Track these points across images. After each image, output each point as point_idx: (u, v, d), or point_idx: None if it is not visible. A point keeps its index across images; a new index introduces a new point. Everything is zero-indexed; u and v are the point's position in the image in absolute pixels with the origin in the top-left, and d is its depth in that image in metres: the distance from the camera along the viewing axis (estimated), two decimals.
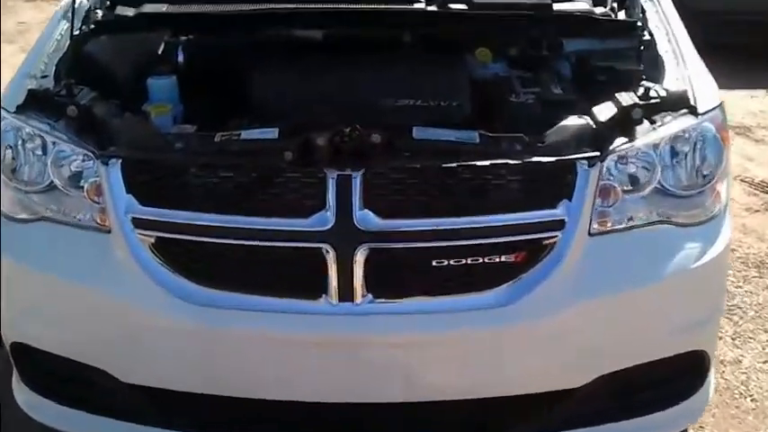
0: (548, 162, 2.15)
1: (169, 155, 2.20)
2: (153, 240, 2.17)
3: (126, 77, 2.58)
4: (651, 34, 2.70)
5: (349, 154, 2.14)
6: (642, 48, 2.67)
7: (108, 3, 2.84)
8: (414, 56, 2.69)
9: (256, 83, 2.52)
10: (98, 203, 2.24)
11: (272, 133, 2.21)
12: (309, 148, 2.15)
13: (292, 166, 2.14)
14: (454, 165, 2.13)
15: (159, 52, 2.68)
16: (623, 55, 2.67)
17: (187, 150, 2.21)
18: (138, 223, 2.18)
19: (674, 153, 2.32)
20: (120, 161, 2.20)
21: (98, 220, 2.25)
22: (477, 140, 2.19)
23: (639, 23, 2.70)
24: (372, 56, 2.59)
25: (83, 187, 2.27)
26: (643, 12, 2.77)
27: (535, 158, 2.15)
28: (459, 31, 2.76)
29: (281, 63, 2.60)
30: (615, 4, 2.82)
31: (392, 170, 2.14)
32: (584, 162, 2.17)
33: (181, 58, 2.67)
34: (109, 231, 2.21)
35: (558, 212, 2.16)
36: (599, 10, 2.80)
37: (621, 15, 2.79)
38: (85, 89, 2.38)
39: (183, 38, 2.74)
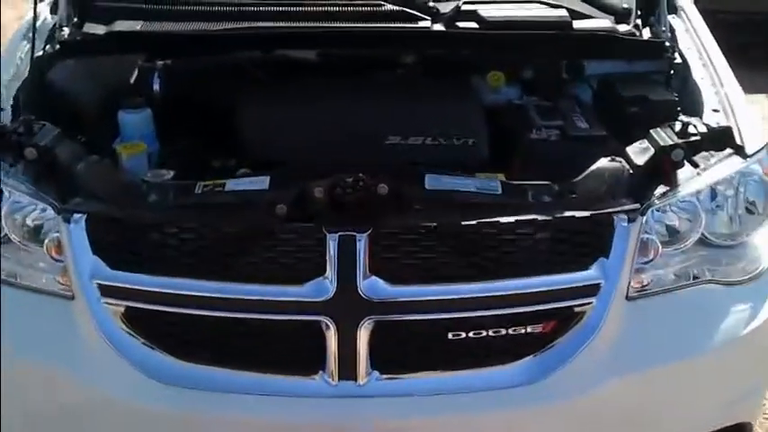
0: (582, 218, 1.82)
1: (142, 210, 1.86)
2: (123, 310, 1.83)
3: (94, 110, 2.23)
4: (683, 56, 2.37)
5: (352, 209, 1.80)
6: (673, 72, 2.35)
7: (75, 19, 2.48)
8: (421, 84, 2.35)
9: (244, 117, 2.18)
10: (61, 262, 1.90)
11: (261, 183, 1.87)
12: (305, 201, 1.81)
13: (286, 222, 1.80)
14: (474, 222, 1.80)
15: (132, 80, 2.32)
16: (653, 81, 2.35)
17: (163, 205, 1.86)
18: (106, 291, 1.83)
19: (713, 196, 2.00)
20: (84, 216, 1.86)
21: (61, 282, 1.90)
22: (500, 191, 1.86)
23: (668, 44, 2.38)
24: (375, 85, 2.26)
25: (43, 241, 1.92)
26: (672, 31, 2.45)
27: (567, 213, 1.82)
28: (470, 53, 2.42)
29: (271, 93, 2.26)
30: (639, 21, 2.49)
31: (402, 228, 1.81)
32: (623, 216, 1.84)
33: (157, 87, 2.32)
34: (72, 298, 1.87)
35: (592, 274, 1.83)
36: (622, 28, 2.48)
37: (646, 33, 2.47)
38: (47, 125, 2.03)
39: (160, 62, 2.37)
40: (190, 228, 1.83)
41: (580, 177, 1.91)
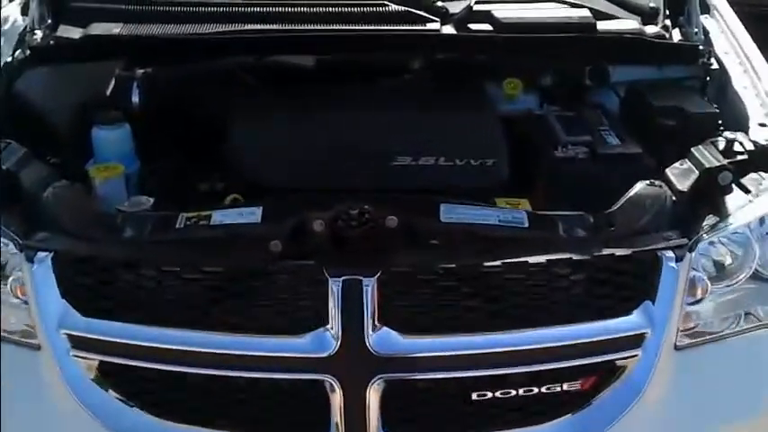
0: (623, 256, 1.55)
1: (115, 248, 1.57)
2: (96, 365, 1.56)
3: (66, 126, 1.94)
4: (720, 61, 2.09)
5: (357, 246, 1.53)
6: (709, 79, 2.07)
7: (49, 20, 2.19)
8: (432, 94, 2.06)
9: (233, 134, 1.89)
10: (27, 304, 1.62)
11: (252, 215, 1.58)
12: (303, 236, 1.53)
13: (280, 261, 1.52)
14: (498, 264, 1.52)
15: (108, 91, 2.02)
16: (687, 89, 2.07)
17: (139, 241, 1.58)
18: (77, 342, 1.55)
19: (761, 222, 1.73)
20: (50, 255, 1.57)
21: (28, 326, 1.62)
22: (526, 223, 1.58)
23: (702, 47, 2.10)
24: (380, 96, 1.97)
25: (8, 278, 1.64)
26: (705, 32, 2.16)
27: (606, 250, 1.54)
28: (483, 57, 2.14)
29: (262, 107, 1.97)
30: (668, 22, 2.21)
31: (416, 269, 1.53)
32: (670, 254, 1.56)
33: (136, 99, 2.01)
34: (38, 348, 1.59)
35: (636, 322, 1.55)
36: (650, 29, 2.20)
37: (676, 35, 2.19)
38: (12, 144, 1.75)
39: (140, 71, 2.08)
40: (170, 269, 1.55)
41: (617, 206, 1.63)
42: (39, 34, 2.16)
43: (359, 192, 1.63)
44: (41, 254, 1.57)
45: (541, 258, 1.52)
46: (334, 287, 1.48)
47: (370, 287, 1.47)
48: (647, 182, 1.69)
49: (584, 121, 2.02)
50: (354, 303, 1.48)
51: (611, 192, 1.70)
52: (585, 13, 2.16)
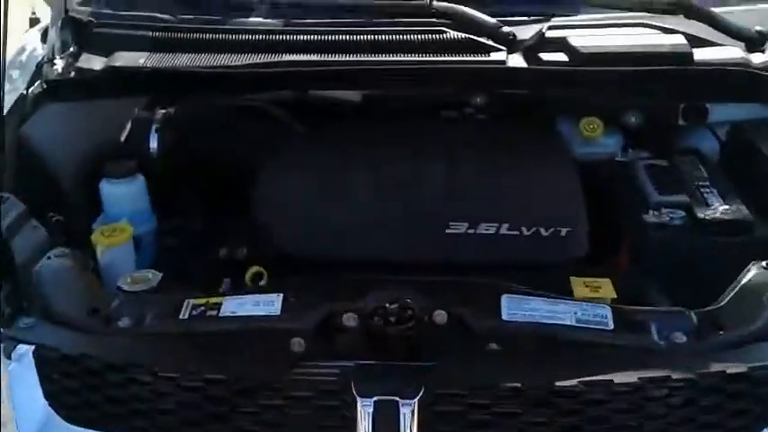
0: (738, 373, 1.18)
1: (105, 343, 1.27)
2: None
3: (73, 177, 1.66)
4: None
5: (396, 351, 1.20)
6: None
7: (72, 49, 1.90)
8: (495, 140, 1.70)
9: (261, 190, 1.58)
10: None
11: (270, 304, 1.27)
12: (331, 334, 1.22)
13: (302, 365, 1.21)
14: (576, 383, 1.17)
15: (123, 136, 1.74)
16: None
17: (135, 334, 1.27)
18: None
19: None
20: (32, 349, 1.29)
21: None
22: (611, 324, 1.22)
23: None
24: (433, 145, 1.63)
25: None
26: None
27: (715, 366, 1.17)
28: (557, 92, 1.77)
29: (297, 158, 1.65)
30: None
31: (468, 389, 1.19)
32: None
33: (154, 145, 1.72)
34: None
35: None
36: (757, 58, 1.79)
37: None
38: (11, 199, 1.48)
39: (161, 111, 1.78)
40: (168, 375, 1.24)
41: (726, 299, 1.27)
42: (59, 64, 1.88)
43: (403, 266, 1.34)
44: (22, 347, 1.29)
45: (632, 377, 1.16)
46: (365, 409, 1.15)
47: (409, 412, 1.14)
48: (765, 264, 1.31)
49: (678, 174, 1.65)
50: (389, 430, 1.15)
51: (715, 271, 1.34)
52: (679, 39, 1.78)
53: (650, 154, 1.76)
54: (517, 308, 1.24)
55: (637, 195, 1.59)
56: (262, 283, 1.47)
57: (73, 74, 1.82)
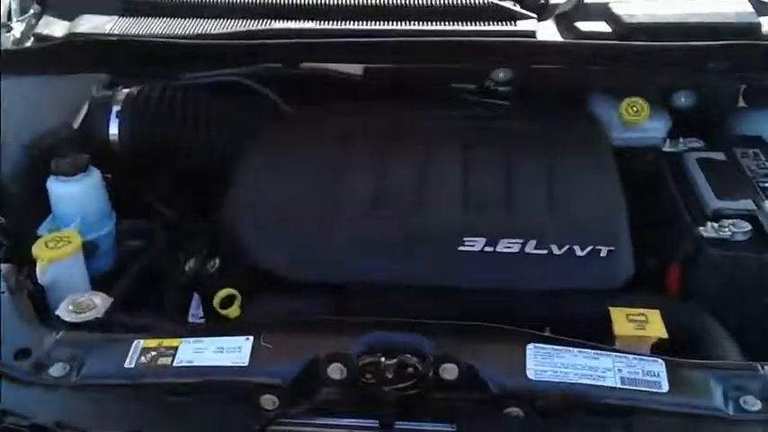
0: None
1: (33, 398, 1.01)
2: None
3: (17, 173, 1.38)
4: None
5: (393, 412, 0.94)
6: None
7: (33, 10, 1.60)
8: (517, 131, 1.39)
9: (234, 192, 1.30)
10: None
11: (237, 350, 1.00)
12: (312, 388, 0.96)
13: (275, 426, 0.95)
14: None
15: (77, 122, 1.45)
16: None
17: (70, 386, 1.01)
18: None
19: None
20: None
21: None
22: (665, 386, 0.94)
23: None
24: (443, 137, 1.33)
25: None
26: None
27: None
28: (598, 69, 1.46)
29: (281, 152, 1.36)
30: None
31: None
32: None
33: (115, 131, 1.44)
34: None
35: None
36: None
37: None
38: None
39: (123, 90, 1.49)
40: None
41: None
42: (16, 29, 1.59)
43: (403, 292, 1.10)
44: None
45: None
46: None
47: None
48: None
49: (739, 171, 1.35)
50: None
51: None
52: (744, 7, 1.46)
53: (703, 144, 1.46)
54: (546, 362, 0.96)
55: (689, 199, 1.30)
56: (233, 307, 1.21)
57: (31, 42, 1.54)
